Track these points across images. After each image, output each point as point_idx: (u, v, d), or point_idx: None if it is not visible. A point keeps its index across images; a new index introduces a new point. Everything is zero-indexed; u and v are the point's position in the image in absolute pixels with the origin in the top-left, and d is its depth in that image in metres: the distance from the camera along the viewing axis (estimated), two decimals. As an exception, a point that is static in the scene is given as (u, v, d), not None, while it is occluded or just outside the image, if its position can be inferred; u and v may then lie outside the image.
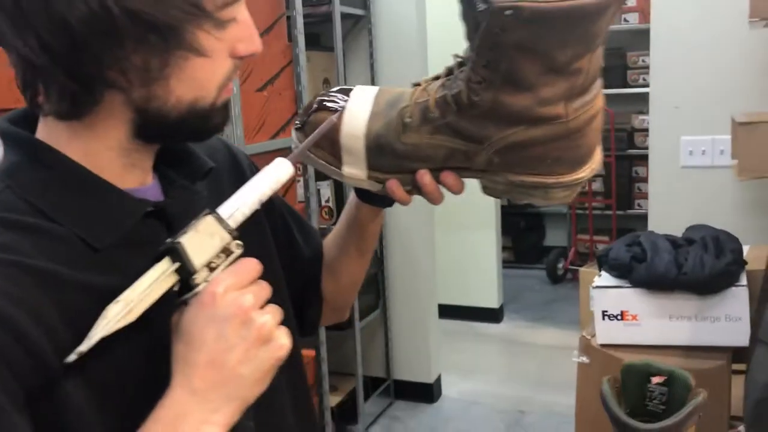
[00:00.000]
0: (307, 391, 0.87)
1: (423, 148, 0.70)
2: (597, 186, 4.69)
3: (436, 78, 0.70)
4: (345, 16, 2.77)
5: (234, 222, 0.60)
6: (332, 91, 0.75)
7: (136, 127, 0.62)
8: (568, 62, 0.61)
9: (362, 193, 0.80)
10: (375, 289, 3.09)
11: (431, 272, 3.21)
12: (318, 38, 2.90)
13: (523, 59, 0.60)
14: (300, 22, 2.17)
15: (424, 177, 0.71)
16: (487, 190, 0.73)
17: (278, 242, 0.85)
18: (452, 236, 3.99)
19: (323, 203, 2.70)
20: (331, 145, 0.73)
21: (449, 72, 0.69)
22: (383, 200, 0.78)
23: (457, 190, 0.73)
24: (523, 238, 5.14)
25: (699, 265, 1.59)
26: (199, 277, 0.57)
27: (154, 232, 0.63)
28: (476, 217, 3.99)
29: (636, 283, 1.63)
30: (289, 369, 0.79)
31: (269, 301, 0.61)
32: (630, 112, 4.49)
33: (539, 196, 0.71)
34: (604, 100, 0.68)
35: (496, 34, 0.59)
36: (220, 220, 0.59)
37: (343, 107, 0.72)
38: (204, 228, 0.58)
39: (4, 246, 0.55)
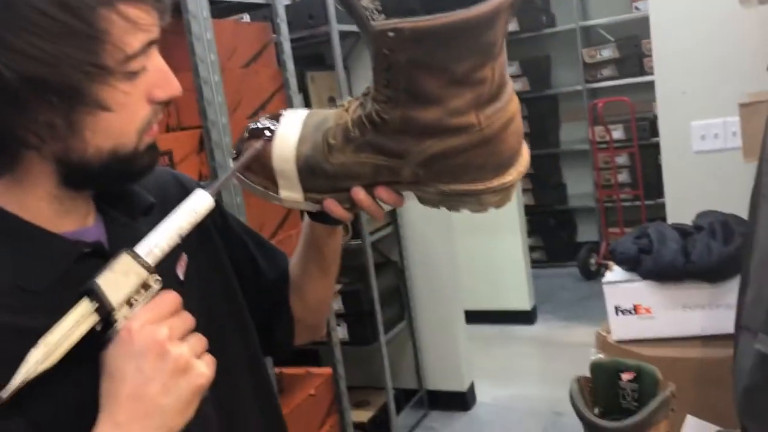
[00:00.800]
0: (276, 407, 0.89)
1: (350, 167, 0.71)
2: (624, 177, 4.61)
3: (358, 98, 0.72)
4: (346, 35, 2.78)
5: (152, 258, 0.61)
6: (263, 118, 0.76)
7: (61, 177, 0.64)
8: (468, 73, 0.61)
9: (312, 213, 0.82)
10: (398, 300, 3.09)
11: (454, 279, 3.20)
12: (323, 58, 2.93)
13: (420, 75, 0.61)
14: (288, 47, 2.21)
15: (359, 194, 0.72)
16: (422, 201, 0.74)
17: (238, 265, 0.87)
18: (476, 241, 3.97)
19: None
20: (264, 171, 0.74)
21: (367, 92, 0.70)
22: (332, 218, 0.79)
23: (394, 203, 0.73)
24: (553, 236, 5.08)
25: (706, 252, 1.56)
26: (118, 314, 0.59)
27: (95, 272, 0.64)
28: (499, 220, 3.95)
29: (645, 276, 1.61)
30: (256, 384, 0.81)
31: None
32: (650, 100, 4.38)
33: (473, 203, 0.71)
34: (519, 104, 0.68)
35: (386, 56, 0.59)
36: (137, 257, 0.61)
37: (272, 133, 0.74)
38: (119, 267, 0.60)
39: None
